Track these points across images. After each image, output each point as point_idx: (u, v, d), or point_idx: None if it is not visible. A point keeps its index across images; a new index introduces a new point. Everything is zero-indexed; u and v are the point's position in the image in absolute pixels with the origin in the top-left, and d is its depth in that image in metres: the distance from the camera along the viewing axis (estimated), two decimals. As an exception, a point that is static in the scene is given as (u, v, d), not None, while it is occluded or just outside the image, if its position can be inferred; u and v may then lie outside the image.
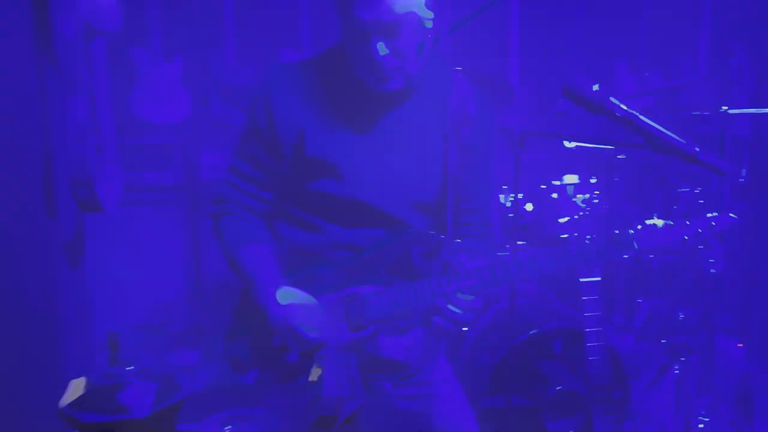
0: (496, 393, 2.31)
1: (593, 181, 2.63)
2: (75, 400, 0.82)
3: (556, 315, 2.51)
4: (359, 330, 1.41)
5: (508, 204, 2.61)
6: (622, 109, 1.25)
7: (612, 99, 1.24)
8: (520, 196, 2.60)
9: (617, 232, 1.37)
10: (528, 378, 2.31)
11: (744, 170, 2.97)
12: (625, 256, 1.36)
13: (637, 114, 1.24)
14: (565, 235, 2.32)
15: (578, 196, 2.58)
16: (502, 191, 2.64)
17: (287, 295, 1.38)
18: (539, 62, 4.68)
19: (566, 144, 2.49)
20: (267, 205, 1.54)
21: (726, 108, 2.39)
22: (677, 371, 2.50)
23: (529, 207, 2.71)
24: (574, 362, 2.36)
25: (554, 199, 2.60)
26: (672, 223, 1.36)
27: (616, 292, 3.92)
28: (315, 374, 1.12)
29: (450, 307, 1.36)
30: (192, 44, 4.19)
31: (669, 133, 1.23)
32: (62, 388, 1.45)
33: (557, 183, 2.63)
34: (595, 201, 2.58)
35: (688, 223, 1.36)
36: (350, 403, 1.10)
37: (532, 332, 2.31)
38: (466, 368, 2.54)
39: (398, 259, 1.45)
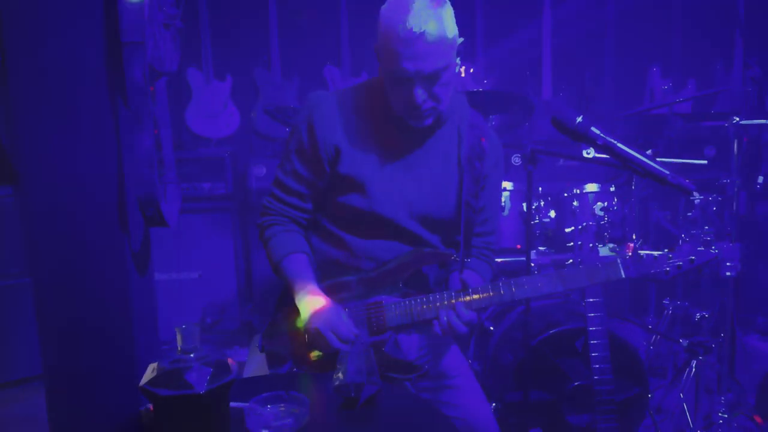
0: (519, 388, 2.48)
1: (612, 189, 2.78)
2: (151, 379, 1.08)
3: (578, 315, 2.67)
4: (379, 335, 1.63)
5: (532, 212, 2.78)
6: (602, 137, 1.43)
7: (593, 129, 1.43)
8: (534, 206, 2.78)
9: (611, 254, 1.55)
10: (549, 374, 2.45)
11: (761, 177, 3.05)
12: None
13: (616, 142, 1.42)
14: (570, 244, 2.47)
15: (597, 204, 2.73)
16: (524, 200, 2.81)
17: (321, 303, 1.60)
18: (573, 70, 4.81)
19: (585, 154, 2.67)
20: (307, 215, 1.76)
21: (737, 119, 2.52)
22: (694, 370, 2.62)
23: (552, 214, 2.87)
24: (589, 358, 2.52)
25: (575, 206, 2.76)
26: (656, 255, 1.53)
27: (648, 294, 4.04)
28: (340, 366, 1.35)
29: (454, 319, 1.57)
30: (241, 63, 4.49)
31: (644, 159, 1.41)
32: (136, 373, 1.73)
33: (577, 191, 2.79)
34: (614, 208, 2.72)
35: (670, 257, 1.52)
36: (369, 387, 1.32)
37: (551, 331, 2.47)
38: (492, 365, 2.72)
39: (415, 273, 1.67)
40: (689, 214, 2.70)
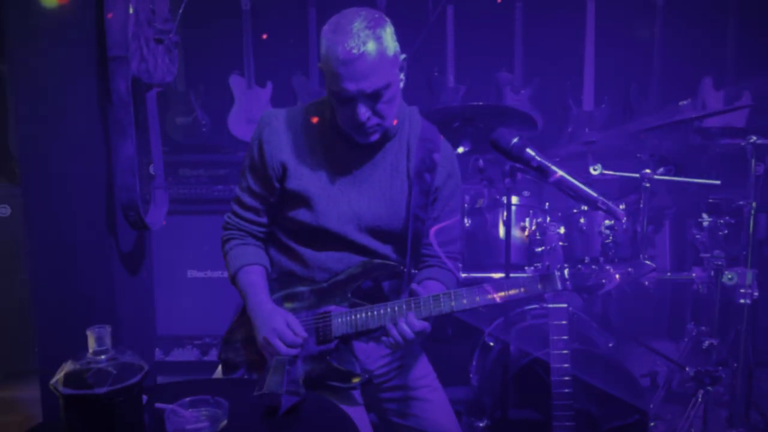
0: (511, 406, 2.44)
1: (622, 207, 2.68)
2: (59, 377, 1.16)
3: (581, 337, 2.59)
4: (325, 344, 1.66)
5: (533, 228, 2.72)
6: (537, 159, 1.40)
7: (528, 150, 1.40)
8: (537, 221, 2.71)
9: (548, 270, 1.51)
10: (542, 395, 2.41)
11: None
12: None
13: (549, 164, 1.39)
14: (539, 264, 2.41)
15: (605, 222, 2.64)
16: (528, 215, 2.76)
17: (269, 313, 1.66)
18: (618, 81, 4.65)
19: (591, 171, 2.59)
20: (263, 229, 1.82)
21: (755, 138, 2.38)
22: (700, 399, 2.50)
23: (561, 230, 2.81)
24: (589, 383, 2.45)
25: (581, 224, 2.68)
26: (595, 267, 1.49)
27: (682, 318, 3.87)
28: (263, 376, 1.39)
29: (403, 327, 1.57)
30: (281, 71, 4.62)
31: (576, 183, 1.38)
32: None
33: (585, 209, 2.71)
34: (624, 227, 2.63)
35: (608, 267, 1.48)
36: (287, 397, 1.36)
37: (546, 351, 2.42)
38: (489, 382, 2.69)
39: (364, 284, 1.70)
40: (698, 236, 2.57)
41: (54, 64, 1.92)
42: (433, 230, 1.79)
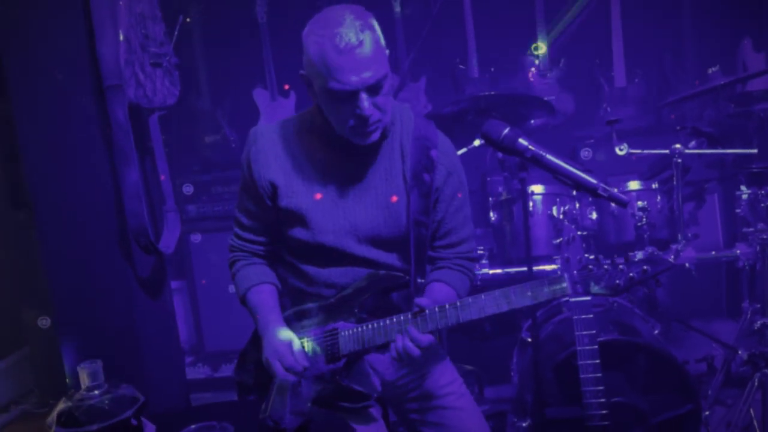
0: (553, 404, 2.34)
1: (655, 186, 2.54)
2: (52, 417, 1.15)
3: (619, 325, 2.46)
4: (334, 362, 1.60)
5: (561, 216, 2.60)
6: (530, 149, 1.32)
7: (521, 140, 1.32)
8: (567, 208, 2.60)
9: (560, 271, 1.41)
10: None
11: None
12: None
13: (544, 153, 1.30)
14: (557, 257, 2.28)
15: (638, 202, 2.51)
16: (555, 203, 2.64)
17: (276, 333, 1.61)
18: (649, 54, 4.45)
19: (618, 151, 2.47)
20: (266, 247, 1.77)
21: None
22: (757, 383, 2.34)
23: (593, 216, 2.69)
24: (634, 374, 2.32)
25: (613, 207, 2.55)
26: (607, 267, 1.39)
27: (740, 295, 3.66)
28: (267, 398, 1.36)
29: (408, 344, 1.50)
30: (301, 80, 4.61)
31: (573, 170, 1.28)
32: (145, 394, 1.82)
33: (616, 190, 2.58)
34: (658, 207, 2.49)
35: (621, 267, 1.37)
36: (292, 419, 1.32)
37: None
38: (529, 379, 2.59)
39: (370, 298, 1.62)
40: (738, 210, 2.40)
41: (51, 97, 1.95)
42: (439, 233, 1.71)
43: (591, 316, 1.65)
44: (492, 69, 4.44)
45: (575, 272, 1.39)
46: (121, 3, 1.75)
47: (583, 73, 4.45)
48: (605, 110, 4.40)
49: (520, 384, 2.70)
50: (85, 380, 1.19)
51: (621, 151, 2.40)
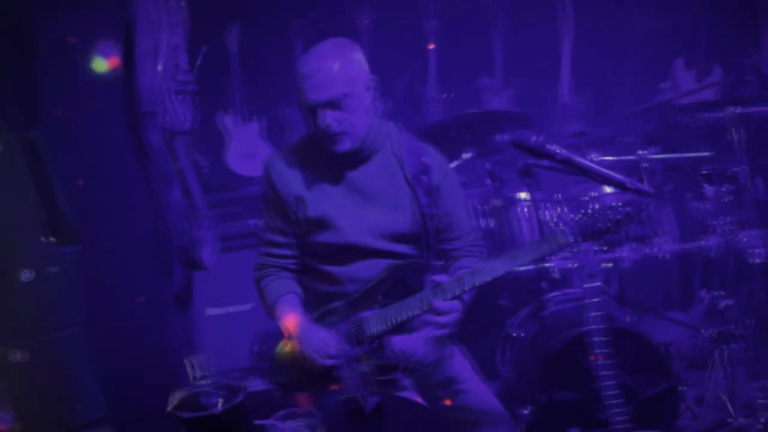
0: (548, 391, 2.52)
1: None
2: (174, 405, 1.27)
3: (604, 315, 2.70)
4: (361, 346, 1.80)
5: (555, 219, 2.88)
6: (559, 153, 1.56)
7: (548, 146, 1.56)
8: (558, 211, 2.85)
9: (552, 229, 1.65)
10: (578, 375, 2.46)
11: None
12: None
13: (572, 155, 1.54)
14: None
15: (613, 204, 2.78)
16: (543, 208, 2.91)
17: (306, 330, 1.81)
18: (595, 73, 4.83)
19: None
20: (294, 260, 1.99)
21: (733, 109, 2.56)
22: (726, 359, 2.63)
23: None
24: (623, 358, 2.56)
25: (595, 208, 2.82)
26: (596, 216, 1.62)
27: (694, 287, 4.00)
28: (340, 383, 1.52)
29: (436, 312, 1.71)
30: (270, 104, 4.74)
31: (601, 169, 1.53)
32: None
33: (595, 194, 2.88)
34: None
35: (608, 213, 1.62)
36: (371, 398, 1.48)
37: (576, 332, 2.46)
38: (522, 372, 2.80)
39: (392, 285, 1.84)
40: (703, 206, 2.73)
41: (87, 126, 2.04)
42: (446, 226, 1.94)
43: (599, 299, 1.89)
44: (449, 89, 4.72)
45: (571, 224, 1.62)
46: (164, 36, 1.89)
47: (534, 92, 4.80)
48: (554, 125, 4.75)
49: (509, 377, 2.90)
50: (196, 370, 1.31)
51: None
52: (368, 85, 1.84)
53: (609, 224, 1.61)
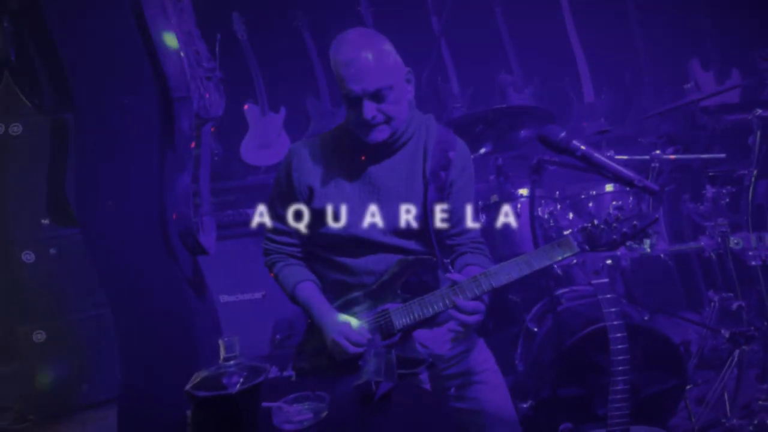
0: (554, 386, 2.54)
1: (628, 188, 2.83)
2: (193, 384, 1.30)
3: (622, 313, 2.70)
4: (389, 338, 1.83)
5: (547, 216, 2.90)
6: (582, 148, 1.59)
7: (574, 141, 1.59)
8: (551, 210, 2.87)
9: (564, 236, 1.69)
10: (587, 371, 2.49)
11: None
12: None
13: (592, 152, 1.57)
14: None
15: (614, 202, 2.81)
16: (541, 205, 2.93)
17: (334, 318, 1.84)
18: (612, 71, 4.82)
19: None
20: (300, 248, 2.02)
21: (759, 111, 2.56)
22: (736, 359, 2.63)
23: (570, 216, 2.97)
24: (635, 355, 2.57)
25: (590, 207, 2.85)
26: (604, 226, 1.66)
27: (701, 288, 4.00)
28: (363, 367, 1.55)
29: (459, 311, 1.74)
30: (292, 95, 4.78)
31: (615, 165, 1.56)
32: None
33: (593, 193, 2.90)
34: (630, 206, 2.80)
35: (615, 226, 1.65)
36: (384, 384, 1.52)
37: (589, 329, 2.48)
38: (534, 365, 2.82)
39: (407, 279, 1.88)
40: (701, 206, 2.74)
41: (119, 112, 2.07)
42: (453, 221, 1.97)
43: (612, 295, 1.91)
44: (471, 86, 4.74)
45: (578, 235, 1.66)
46: (173, 22, 1.92)
47: (555, 90, 4.80)
48: (573, 124, 4.75)
49: (524, 371, 2.92)
50: (224, 352, 1.35)
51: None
52: (407, 78, 1.87)
53: (615, 237, 1.65)
